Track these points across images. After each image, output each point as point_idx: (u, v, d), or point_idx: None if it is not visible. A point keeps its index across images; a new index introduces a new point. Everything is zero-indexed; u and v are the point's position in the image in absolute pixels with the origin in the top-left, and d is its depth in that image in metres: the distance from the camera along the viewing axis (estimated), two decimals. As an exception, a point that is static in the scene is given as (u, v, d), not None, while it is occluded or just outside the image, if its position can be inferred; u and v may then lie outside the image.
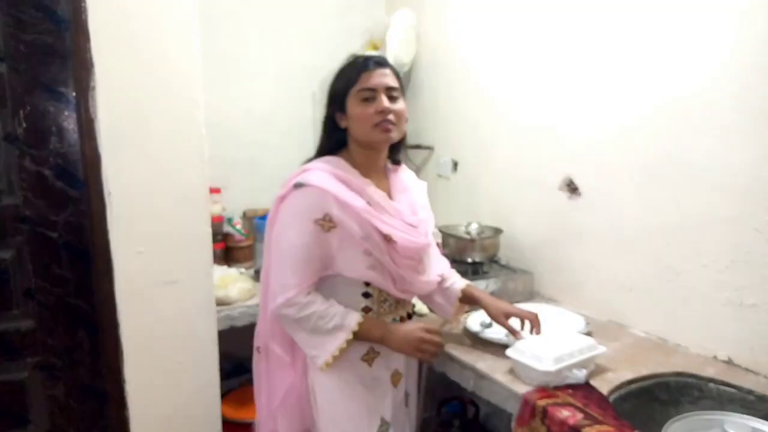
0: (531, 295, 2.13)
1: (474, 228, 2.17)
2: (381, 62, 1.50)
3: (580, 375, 1.45)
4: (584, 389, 1.43)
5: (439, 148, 2.64)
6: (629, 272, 1.84)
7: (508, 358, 1.51)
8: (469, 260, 2.09)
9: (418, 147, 2.66)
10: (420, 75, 2.71)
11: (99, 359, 1.85)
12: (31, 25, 1.68)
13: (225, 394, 2.34)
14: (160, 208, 1.71)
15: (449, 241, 2.15)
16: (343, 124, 1.52)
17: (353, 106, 1.47)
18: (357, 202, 1.44)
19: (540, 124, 2.11)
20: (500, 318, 1.63)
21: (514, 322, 1.63)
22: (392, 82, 1.49)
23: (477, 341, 1.73)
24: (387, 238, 1.46)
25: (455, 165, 2.54)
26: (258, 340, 1.66)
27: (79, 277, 1.81)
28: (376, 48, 2.63)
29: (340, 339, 1.44)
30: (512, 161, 2.26)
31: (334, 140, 1.55)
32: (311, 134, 2.76)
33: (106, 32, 1.60)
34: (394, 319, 1.58)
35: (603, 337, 1.73)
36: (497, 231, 2.17)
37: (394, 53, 2.51)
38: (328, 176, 1.46)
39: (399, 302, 1.59)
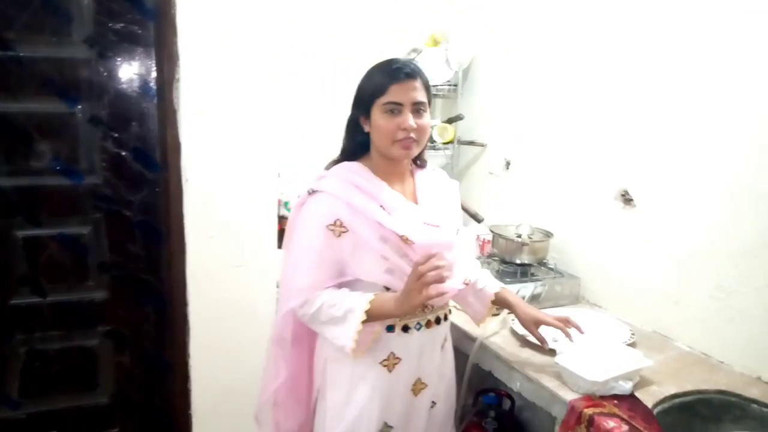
0: (576, 300, 2.18)
1: (524, 230, 2.21)
2: (412, 73, 1.45)
3: (626, 386, 1.51)
4: (629, 400, 1.49)
5: (493, 146, 2.68)
6: (678, 286, 1.87)
7: (555, 363, 1.57)
8: (518, 262, 2.14)
9: (471, 143, 2.70)
10: (478, 73, 2.74)
11: (165, 332, 1.97)
12: (120, 14, 1.77)
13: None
14: (233, 196, 1.81)
15: (499, 241, 2.20)
16: (366, 128, 1.50)
17: (377, 116, 1.45)
18: (368, 206, 1.44)
19: (598, 132, 2.13)
20: (530, 326, 1.63)
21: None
22: (421, 96, 1.45)
23: (524, 342, 1.80)
24: (404, 239, 1.45)
25: (508, 164, 2.58)
26: (273, 331, 1.64)
27: (150, 254, 1.92)
28: (437, 43, 2.66)
29: (355, 321, 1.41)
30: (567, 165, 2.28)
31: (356, 143, 1.54)
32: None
33: (194, 27, 1.67)
34: (419, 324, 1.55)
35: (647, 348, 1.78)
36: (548, 234, 2.22)
37: (454, 50, 2.54)
38: (341, 182, 1.47)
39: (425, 306, 1.54)
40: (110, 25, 1.76)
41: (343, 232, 1.43)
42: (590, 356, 1.55)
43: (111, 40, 1.78)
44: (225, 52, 1.72)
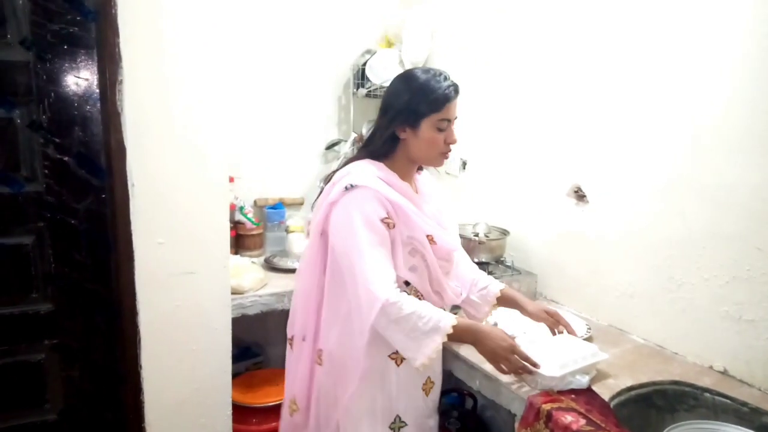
0: (534, 296, 2.19)
1: (481, 228, 2.22)
2: (458, 90, 1.53)
3: (583, 381, 1.52)
4: (586, 394, 1.50)
5: (449, 146, 2.68)
6: (631, 280, 1.90)
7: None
8: (476, 260, 2.13)
9: (427, 143, 2.70)
10: (433, 72, 2.74)
11: (115, 344, 1.90)
12: (58, 15, 1.70)
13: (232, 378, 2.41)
14: (182, 200, 1.75)
15: (457, 240, 2.20)
16: (402, 135, 1.54)
17: (427, 129, 1.51)
18: (404, 202, 1.51)
19: (551, 130, 2.15)
20: (543, 316, 1.68)
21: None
22: (457, 112, 1.55)
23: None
24: (430, 238, 1.53)
25: (464, 164, 2.59)
26: (292, 330, 1.69)
27: (98, 263, 1.85)
28: (390, 44, 2.66)
29: (436, 342, 1.42)
30: (521, 164, 2.30)
31: (387, 147, 1.57)
32: (323, 125, 2.81)
33: (136, 27, 1.62)
34: None
35: (603, 341, 1.80)
36: (504, 232, 2.23)
37: (408, 50, 2.53)
38: (375, 178, 1.51)
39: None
40: (48, 26, 1.69)
41: (394, 225, 1.49)
42: (547, 351, 1.56)
43: (50, 42, 1.70)
44: (170, 51, 1.67)
